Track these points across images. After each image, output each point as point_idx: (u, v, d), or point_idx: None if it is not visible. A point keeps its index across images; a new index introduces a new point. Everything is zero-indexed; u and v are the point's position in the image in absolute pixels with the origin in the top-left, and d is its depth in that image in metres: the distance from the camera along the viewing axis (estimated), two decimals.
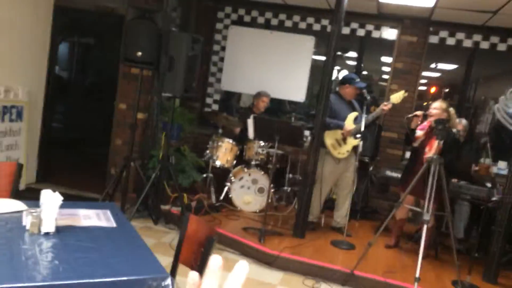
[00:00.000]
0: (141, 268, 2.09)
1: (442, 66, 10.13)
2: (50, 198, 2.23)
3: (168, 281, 2.01)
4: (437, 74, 11.59)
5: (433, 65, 10.03)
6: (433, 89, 13.20)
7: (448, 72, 10.81)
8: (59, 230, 2.25)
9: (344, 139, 4.89)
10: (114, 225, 2.51)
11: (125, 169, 4.78)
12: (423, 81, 12.49)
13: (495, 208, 4.75)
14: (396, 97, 4.70)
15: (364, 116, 4.64)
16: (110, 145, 5.40)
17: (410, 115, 4.60)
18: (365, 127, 4.67)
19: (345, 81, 5.03)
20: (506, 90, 6.24)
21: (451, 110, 4.55)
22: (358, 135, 4.76)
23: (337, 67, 11.27)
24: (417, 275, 3.63)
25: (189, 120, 5.88)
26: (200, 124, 6.65)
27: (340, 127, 4.82)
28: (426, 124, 4.53)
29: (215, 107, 6.99)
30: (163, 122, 5.24)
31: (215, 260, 0.55)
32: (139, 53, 4.49)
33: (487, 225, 4.84)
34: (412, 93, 6.16)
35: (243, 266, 0.55)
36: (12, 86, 4.97)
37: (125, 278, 1.97)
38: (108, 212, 2.67)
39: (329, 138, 4.87)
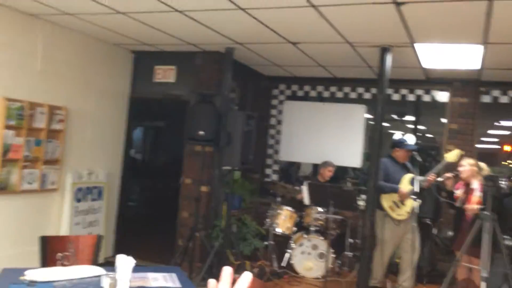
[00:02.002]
0: None
1: (508, 123, 9.87)
2: (124, 262, 2.59)
3: None
4: (507, 132, 11.24)
5: (497, 123, 9.81)
6: (507, 147, 12.72)
7: None
8: None
9: (402, 201, 4.97)
10: (179, 285, 2.81)
11: (191, 240, 5.14)
12: (493, 139, 12.13)
13: None
14: (451, 155, 4.79)
15: (419, 178, 4.76)
16: (178, 217, 5.83)
17: (440, 179, 4.70)
18: (420, 188, 4.77)
19: (395, 144, 5.22)
20: None
21: (481, 164, 4.64)
22: (414, 196, 4.83)
23: (400, 132, 11.35)
24: None
25: (249, 191, 6.23)
26: (261, 194, 6.98)
27: (395, 190, 4.93)
28: (460, 182, 4.63)
29: (275, 177, 7.33)
30: (225, 194, 5.63)
31: (226, 270, 0.81)
32: (201, 132, 5.01)
33: None
34: (469, 152, 6.12)
35: (247, 275, 0.80)
36: (94, 169, 5.65)
37: None
38: (174, 275, 2.99)
39: (386, 200, 4.97)
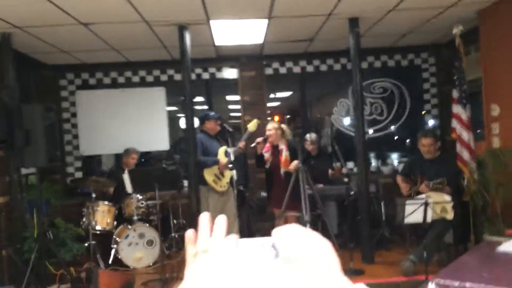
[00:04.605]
0: None
1: (281, 94, 11.26)
2: None
3: None
4: (277, 103, 12.86)
5: (272, 95, 11.12)
6: (276, 118, 14.65)
7: (286, 99, 12.02)
8: None
9: (222, 173, 5.23)
10: None
11: None
12: (268, 111, 13.72)
13: (356, 200, 5.54)
14: (252, 125, 5.25)
15: (232, 149, 5.07)
16: None
17: (252, 145, 5.16)
18: (235, 158, 5.10)
19: (202, 118, 5.43)
20: (336, 102, 7.35)
21: (283, 126, 5.28)
22: (231, 165, 5.13)
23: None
24: None
25: (54, 193, 5.59)
26: (66, 195, 6.34)
27: (216, 162, 5.16)
28: (268, 145, 5.14)
29: (79, 174, 6.73)
30: (28, 201, 4.92)
31: (203, 216, 0.75)
32: None
33: (353, 217, 5.58)
34: (264, 120, 6.79)
35: (222, 218, 0.76)
36: None
37: None
38: None
39: (209, 174, 5.16)
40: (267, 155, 5.15)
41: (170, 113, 7.02)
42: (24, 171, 5.29)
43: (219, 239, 0.67)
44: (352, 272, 4.61)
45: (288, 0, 4.47)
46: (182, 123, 10.81)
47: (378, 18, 5.26)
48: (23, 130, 4.32)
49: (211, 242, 0.67)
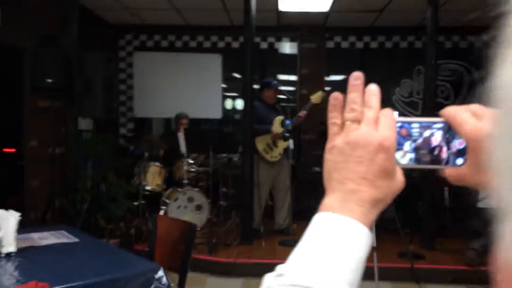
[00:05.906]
0: (128, 266, 1.90)
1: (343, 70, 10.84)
2: (6, 216, 1.95)
3: (161, 272, 1.86)
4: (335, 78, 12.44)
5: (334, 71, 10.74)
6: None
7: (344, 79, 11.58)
8: (20, 251, 1.97)
9: (274, 143, 5.01)
10: (77, 240, 2.26)
11: (49, 209, 4.35)
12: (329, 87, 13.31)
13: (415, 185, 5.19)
14: (316, 97, 4.97)
15: (288, 121, 4.86)
16: (24, 188, 4.87)
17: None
18: (292, 129, 4.87)
19: (263, 85, 5.21)
20: (399, 82, 6.94)
21: None
22: (287, 135, 4.91)
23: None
24: None
25: (108, 150, 5.56)
26: (119, 154, 6.33)
27: (269, 131, 4.95)
28: None
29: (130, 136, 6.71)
30: (84, 155, 4.91)
31: (355, 75, 0.56)
32: (49, 80, 4.18)
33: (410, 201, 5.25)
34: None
35: (374, 86, 0.57)
36: None
37: (113, 277, 1.78)
38: (64, 232, 2.41)
39: (260, 143, 4.96)
40: None
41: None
42: (79, 127, 5.29)
43: (373, 109, 0.55)
44: (412, 256, 4.29)
45: None
46: (228, 105, 10.30)
47: None
48: (82, 78, 4.26)
49: (363, 111, 0.55)
